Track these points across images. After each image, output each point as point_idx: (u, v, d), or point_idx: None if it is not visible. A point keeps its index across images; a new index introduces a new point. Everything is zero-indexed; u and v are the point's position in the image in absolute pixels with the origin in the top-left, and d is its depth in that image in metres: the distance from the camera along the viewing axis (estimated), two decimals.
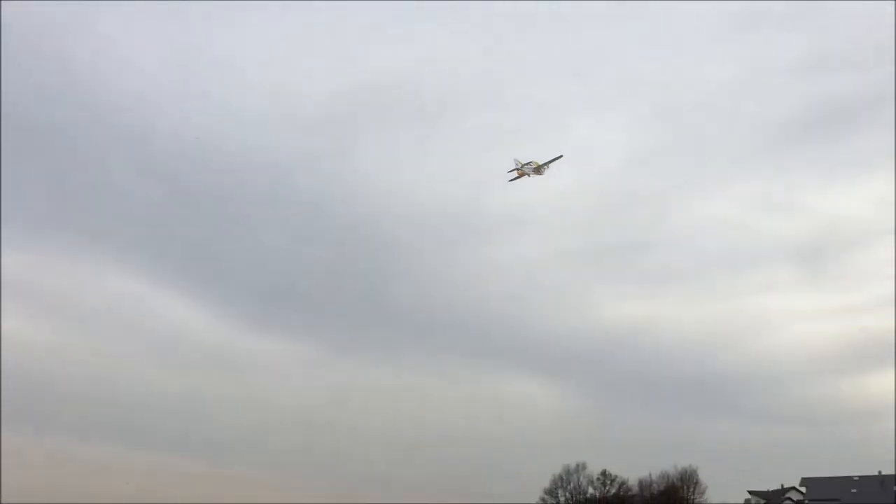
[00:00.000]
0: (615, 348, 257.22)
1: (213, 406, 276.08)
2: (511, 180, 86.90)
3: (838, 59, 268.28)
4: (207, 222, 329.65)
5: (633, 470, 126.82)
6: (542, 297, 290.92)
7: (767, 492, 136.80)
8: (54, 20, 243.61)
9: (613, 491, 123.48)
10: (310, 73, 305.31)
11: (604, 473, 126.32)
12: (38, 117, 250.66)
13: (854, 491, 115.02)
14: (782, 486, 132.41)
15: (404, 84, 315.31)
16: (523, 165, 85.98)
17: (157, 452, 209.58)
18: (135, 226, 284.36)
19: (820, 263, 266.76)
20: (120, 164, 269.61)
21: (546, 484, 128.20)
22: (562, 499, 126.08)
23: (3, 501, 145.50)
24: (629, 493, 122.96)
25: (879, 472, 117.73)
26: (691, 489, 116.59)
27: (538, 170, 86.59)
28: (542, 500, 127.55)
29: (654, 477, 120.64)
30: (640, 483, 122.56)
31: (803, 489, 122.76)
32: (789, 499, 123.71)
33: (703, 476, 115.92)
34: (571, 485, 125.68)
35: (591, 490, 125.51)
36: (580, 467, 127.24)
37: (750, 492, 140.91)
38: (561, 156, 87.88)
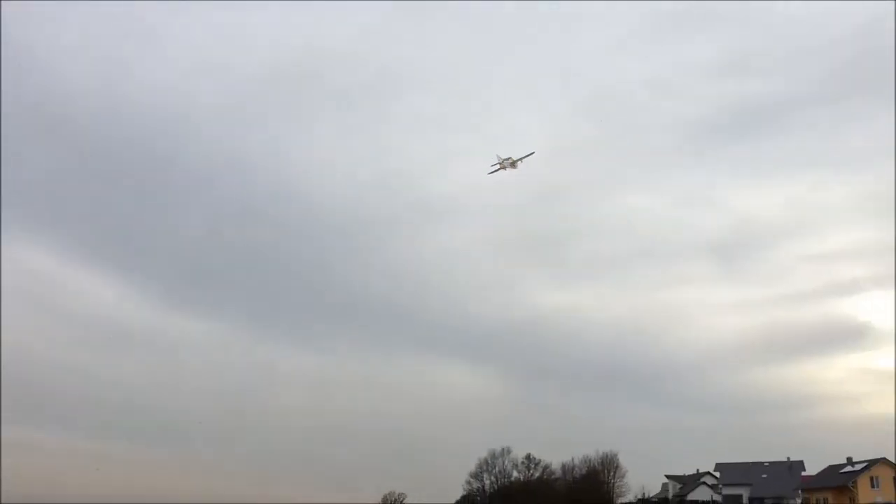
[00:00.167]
0: (540, 335, 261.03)
1: (126, 387, 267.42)
2: (490, 173, 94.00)
3: (757, 62, 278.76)
4: (118, 196, 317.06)
5: (557, 454, 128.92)
6: (467, 283, 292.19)
7: (683, 476, 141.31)
8: None
9: (537, 474, 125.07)
10: (232, 50, 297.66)
11: (528, 457, 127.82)
12: None
13: (764, 476, 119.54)
14: (697, 470, 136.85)
15: (327, 65, 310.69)
16: (503, 161, 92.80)
17: (66, 437, 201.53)
18: (41, 199, 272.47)
19: (735, 259, 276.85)
20: (25, 133, 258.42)
21: (472, 468, 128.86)
22: (486, 482, 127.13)
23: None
24: (552, 476, 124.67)
25: (788, 458, 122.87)
26: (612, 473, 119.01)
27: (513, 164, 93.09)
28: (468, 483, 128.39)
29: (576, 461, 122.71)
30: (563, 467, 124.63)
31: (717, 474, 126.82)
32: (704, 483, 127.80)
33: (624, 461, 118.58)
34: (496, 468, 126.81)
35: (515, 473, 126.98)
36: (505, 451, 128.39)
37: (667, 476, 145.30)
38: (533, 152, 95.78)
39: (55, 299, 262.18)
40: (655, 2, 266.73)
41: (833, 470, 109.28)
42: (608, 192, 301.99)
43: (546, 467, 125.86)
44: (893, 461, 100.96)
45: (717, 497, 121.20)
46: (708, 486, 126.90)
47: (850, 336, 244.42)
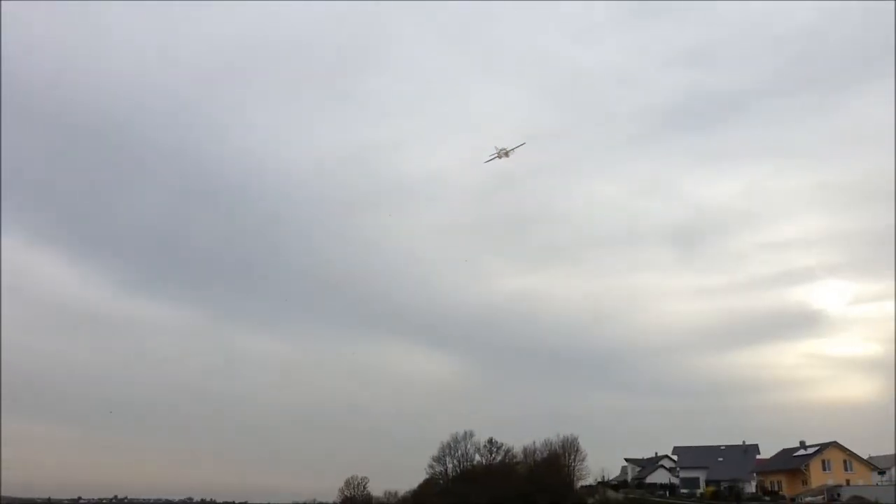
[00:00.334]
0: (502, 320, 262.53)
1: (89, 371, 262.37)
2: (486, 161, 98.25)
3: (716, 53, 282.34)
4: (84, 178, 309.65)
5: (518, 438, 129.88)
6: (429, 268, 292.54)
7: (642, 459, 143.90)
8: None
9: (499, 458, 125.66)
10: (198, 32, 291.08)
11: (490, 441, 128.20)
12: None
13: (720, 459, 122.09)
14: (656, 454, 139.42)
15: (292, 47, 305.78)
16: (499, 151, 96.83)
17: (26, 420, 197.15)
18: (4, 183, 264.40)
19: (693, 246, 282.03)
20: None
21: (434, 452, 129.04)
22: (449, 466, 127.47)
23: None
24: (514, 460, 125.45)
25: (743, 442, 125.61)
26: (572, 456, 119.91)
27: (507, 154, 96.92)
28: (431, 467, 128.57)
29: (537, 445, 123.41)
30: (525, 450, 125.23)
31: (675, 457, 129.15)
32: (662, 466, 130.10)
33: (584, 444, 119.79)
34: (459, 452, 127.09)
35: (477, 457, 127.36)
36: (467, 435, 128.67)
37: (626, 459, 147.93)
38: (524, 143, 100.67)
39: (18, 282, 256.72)
40: None
41: (786, 453, 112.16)
42: (570, 179, 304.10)
43: (508, 451, 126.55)
44: (844, 445, 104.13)
45: (674, 480, 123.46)
46: (666, 469, 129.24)
47: (803, 323, 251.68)
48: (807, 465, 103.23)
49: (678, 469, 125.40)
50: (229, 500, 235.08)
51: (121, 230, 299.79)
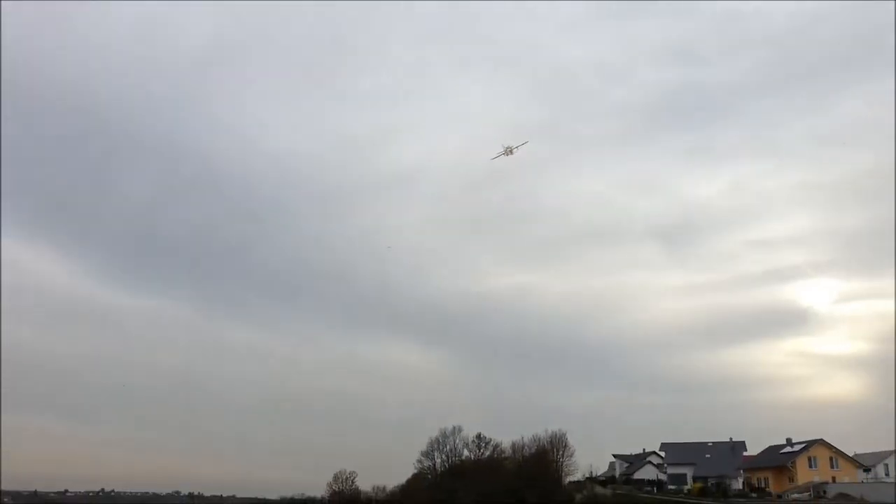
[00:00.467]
0: (491, 316, 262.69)
1: (74, 363, 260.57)
2: (493, 159, 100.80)
3: (702, 50, 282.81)
4: (67, 168, 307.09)
5: (507, 433, 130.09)
6: (420, 263, 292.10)
7: (630, 455, 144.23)
8: None
9: (488, 453, 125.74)
10: (184, 20, 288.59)
11: (479, 436, 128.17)
12: None
13: (708, 456, 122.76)
14: (644, 450, 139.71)
15: (277, 40, 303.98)
16: (506, 149, 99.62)
17: (10, 412, 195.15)
18: None
19: (681, 243, 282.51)
20: None
21: (423, 447, 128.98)
22: (437, 461, 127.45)
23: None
24: (502, 455, 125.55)
25: (730, 438, 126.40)
26: (560, 452, 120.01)
27: (511, 152, 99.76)
28: (419, 462, 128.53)
29: (526, 440, 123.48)
30: (513, 446, 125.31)
31: (662, 453, 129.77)
32: (649, 462, 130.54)
33: (572, 440, 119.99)
34: (447, 447, 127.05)
35: (466, 452, 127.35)
36: (456, 430, 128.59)
37: (614, 455, 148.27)
38: (527, 142, 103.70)
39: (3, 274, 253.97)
40: None
41: (773, 450, 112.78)
42: (556, 174, 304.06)
43: (496, 446, 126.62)
44: (830, 442, 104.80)
45: (662, 476, 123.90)
46: (653, 465, 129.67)
47: (791, 321, 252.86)
48: (793, 462, 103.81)
49: (666, 465, 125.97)
50: (217, 493, 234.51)
51: (105, 220, 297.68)
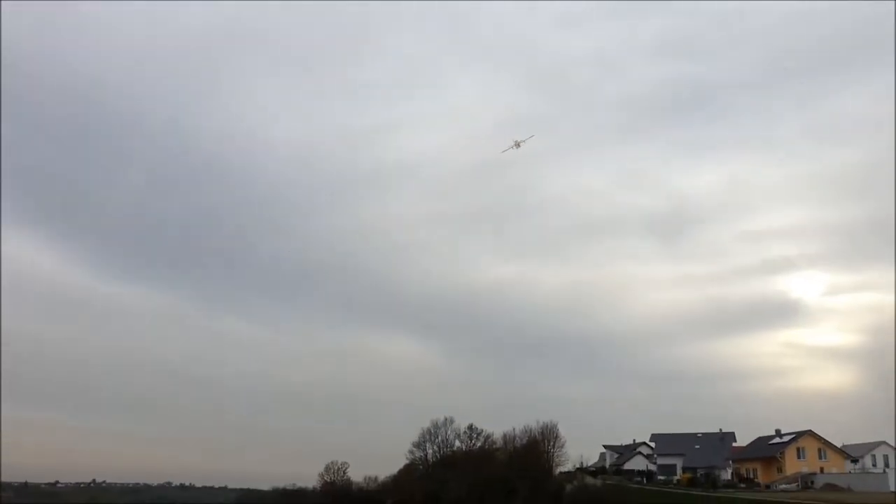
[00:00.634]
0: (483, 308, 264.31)
1: (67, 356, 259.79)
2: (503, 151, 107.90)
3: (699, 45, 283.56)
4: (64, 159, 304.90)
5: (498, 424, 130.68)
6: (416, 256, 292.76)
7: (620, 446, 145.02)
8: None
9: (479, 444, 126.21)
10: (188, 12, 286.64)
11: (470, 427, 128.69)
12: None
13: (697, 447, 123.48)
14: (634, 440, 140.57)
15: (273, 30, 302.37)
16: (516, 142, 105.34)
17: (3, 404, 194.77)
18: None
19: (674, 236, 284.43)
20: None
21: (415, 438, 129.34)
22: (429, 451, 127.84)
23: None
24: (494, 446, 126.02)
25: (720, 429, 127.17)
26: (551, 443, 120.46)
27: (518, 145, 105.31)
28: (411, 452, 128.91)
29: (517, 431, 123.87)
30: (505, 437, 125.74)
31: (652, 444, 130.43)
32: (639, 453, 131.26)
33: (563, 431, 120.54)
34: (439, 438, 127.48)
35: (457, 443, 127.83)
36: (448, 421, 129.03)
37: (605, 446, 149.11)
38: (533, 135, 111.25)
39: None
40: None
41: (762, 441, 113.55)
42: (552, 167, 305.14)
43: (488, 437, 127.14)
44: (818, 434, 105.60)
45: (652, 466, 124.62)
46: (644, 455, 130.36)
47: (782, 313, 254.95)
48: (782, 453, 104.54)
49: (655, 456, 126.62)
50: (208, 484, 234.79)
51: (102, 211, 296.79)
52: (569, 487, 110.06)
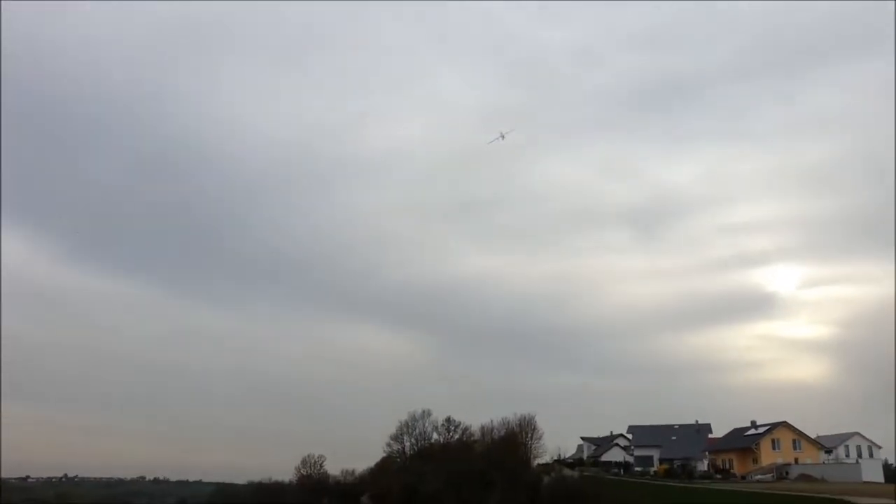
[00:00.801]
0: (461, 300, 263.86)
1: (35, 345, 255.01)
2: (489, 143, 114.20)
3: (680, 38, 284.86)
4: (32, 143, 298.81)
5: (476, 417, 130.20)
6: (394, 248, 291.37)
7: (598, 438, 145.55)
8: None
9: (457, 436, 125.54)
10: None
11: (448, 420, 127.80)
12: None
13: (674, 438, 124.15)
14: (611, 432, 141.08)
15: (246, 20, 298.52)
16: (501, 134, 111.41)
17: None
18: None
19: (651, 228, 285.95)
20: None
21: (392, 430, 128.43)
22: (407, 444, 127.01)
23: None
24: (471, 438, 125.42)
25: (696, 421, 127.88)
26: (529, 435, 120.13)
27: (503, 137, 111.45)
28: (388, 445, 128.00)
29: (495, 423, 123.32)
30: (482, 429, 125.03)
31: (629, 436, 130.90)
32: (617, 444, 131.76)
33: (541, 423, 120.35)
34: (417, 431, 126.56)
35: (435, 436, 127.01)
36: (425, 414, 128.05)
37: (582, 437, 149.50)
38: (513, 129, 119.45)
39: None
40: None
41: (738, 433, 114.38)
42: (530, 159, 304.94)
43: (465, 429, 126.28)
44: (793, 425, 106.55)
45: (629, 458, 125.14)
46: (621, 447, 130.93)
47: (757, 305, 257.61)
48: (757, 444, 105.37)
49: (633, 448, 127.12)
50: (183, 478, 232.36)
51: (70, 197, 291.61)
52: (546, 479, 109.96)
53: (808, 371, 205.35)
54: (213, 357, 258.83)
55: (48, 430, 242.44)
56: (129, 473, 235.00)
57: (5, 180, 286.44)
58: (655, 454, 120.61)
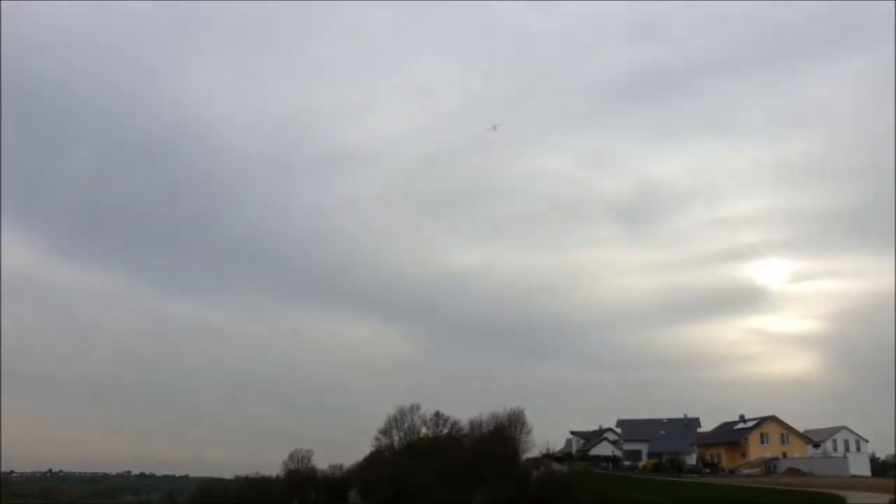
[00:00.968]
0: (450, 293, 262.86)
1: (15, 339, 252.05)
2: (484, 133, 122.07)
3: (667, 28, 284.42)
4: (6, 136, 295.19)
5: (465, 411, 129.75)
6: (380, 240, 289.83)
7: (587, 432, 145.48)
8: None
9: (446, 431, 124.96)
10: None
11: (437, 414, 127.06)
12: None
13: (662, 432, 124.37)
14: (600, 426, 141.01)
15: (236, 8, 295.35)
16: (495, 126, 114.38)
17: None
18: None
19: (640, 221, 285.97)
20: None
21: (381, 425, 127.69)
22: (395, 438, 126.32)
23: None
24: (460, 432, 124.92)
25: (685, 415, 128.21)
26: (518, 429, 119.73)
27: (495, 128, 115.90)
28: (377, 440, 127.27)
29: (484, 418, 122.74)
30: (471, 423, 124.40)
31: (618, 430, 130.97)
32: (606, 439, 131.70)
33: (530, 417, 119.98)
34: (405, 425, 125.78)
35: (424, 430, 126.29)
36: (414, 408, 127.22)
37: (571, 432, 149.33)
38: (503, 123, 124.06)
39: None
40: None
41: (726, 427, 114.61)
42: (518, 151, 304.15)
43: (454, 424, 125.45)
44: (782, 419, 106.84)
45: (618, 452, 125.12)
46: (610, 441, 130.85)
47: (746, 299, 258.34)
48: (746, 438, 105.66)
49: (622, 442, 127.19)
50: (169, 473, 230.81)
51: (47, 191, 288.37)
52: (535, 473, 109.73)
53: (797, 365, 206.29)
54: (200, 352, 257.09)
55: (32, 425, 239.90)
56: (114, 468, 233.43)
57: None
58: (644, 448, 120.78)
